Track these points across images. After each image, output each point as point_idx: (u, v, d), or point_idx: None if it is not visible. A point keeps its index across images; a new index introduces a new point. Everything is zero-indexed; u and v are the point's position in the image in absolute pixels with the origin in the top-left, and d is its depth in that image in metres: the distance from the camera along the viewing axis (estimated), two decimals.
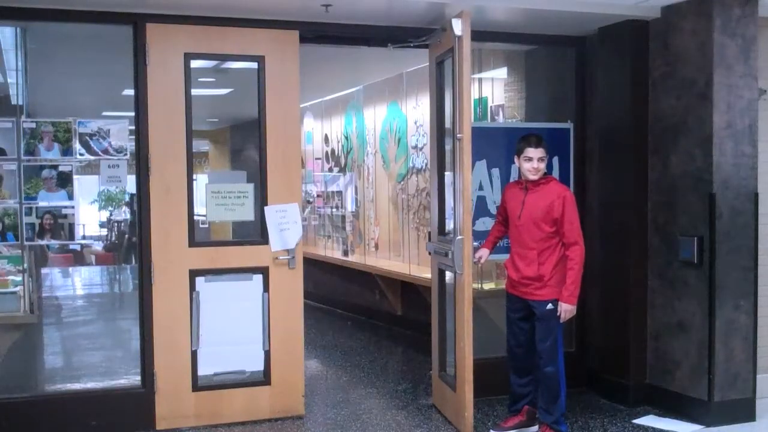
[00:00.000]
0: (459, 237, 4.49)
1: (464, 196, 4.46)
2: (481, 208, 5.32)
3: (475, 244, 4.66)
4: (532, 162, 4.43)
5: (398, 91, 7.65)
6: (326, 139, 9.49)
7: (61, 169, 4.67)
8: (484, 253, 4.78)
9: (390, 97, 7.86)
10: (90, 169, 5.03)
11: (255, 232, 5.01)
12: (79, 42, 5.31)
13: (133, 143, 4.74)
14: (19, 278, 5.09)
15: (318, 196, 9.64)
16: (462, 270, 4.48)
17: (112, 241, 8.86)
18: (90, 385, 5.15)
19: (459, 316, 4.59)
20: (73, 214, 4.71)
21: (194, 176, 4.85)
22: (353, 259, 8.49)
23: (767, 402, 5.00)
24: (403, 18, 4.98)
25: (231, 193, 4.91)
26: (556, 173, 5.49)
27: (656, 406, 5.09)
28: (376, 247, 8.24)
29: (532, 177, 4.45)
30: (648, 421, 4.91)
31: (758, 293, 4.88)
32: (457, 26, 4.52)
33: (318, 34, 5.03)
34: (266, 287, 4.90)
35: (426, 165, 7.12)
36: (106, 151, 4.74)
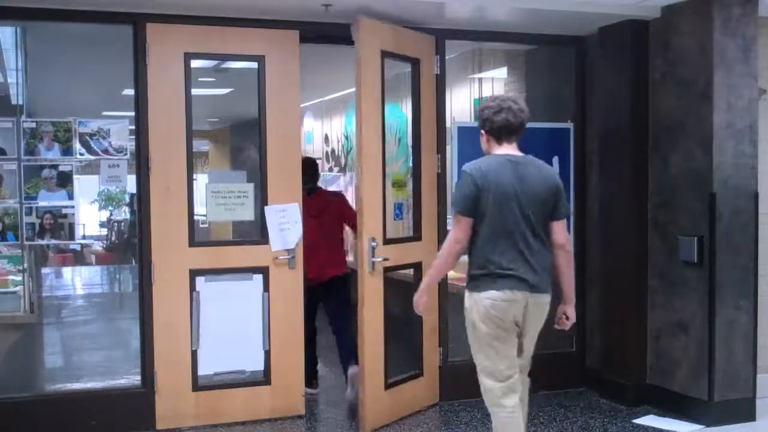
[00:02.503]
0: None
1: (362, 200, 4.57)
2: None
3: (374, 244, 4.64)
4: None
5: (398, 91, 7.64)
6: (326, 139, 9.48)
7: (61, 168, 4.66)
8: None
9: (390, 97, 7.84)
10: (90, 168, 5.03)
11: (255, 232, 5.01)
12: (79, 42, 5.31)
13: (133, 143, 4.74)
14: (19, 278, 5.09)
15: None
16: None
17: (112, 240, 8.87)
18: (90, 385, 5.15)
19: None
20: (73, 214, 4.71)
21: (194, 176, 4.85)
22: (353, 258, 8.47)
23: (767, 402, 5.00)
24: (402, 18, 4.98)
25: (231, 192, 4.91)
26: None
27: (656, 406, 5.09)
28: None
29: None
30: (648, 421, 4.91)
31: (758, 293, 4.88)
32: (354, 32, 4.52)
33: (318, 34, 5.03)
34: (266, 287, 4.90)
35: None
36: (106, 151, 4.74)
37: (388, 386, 4.83)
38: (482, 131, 3.63)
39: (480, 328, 3.46)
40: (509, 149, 3.57)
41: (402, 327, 5.04)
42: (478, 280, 3.47)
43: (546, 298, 3.52)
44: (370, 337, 4.65)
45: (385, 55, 4.75)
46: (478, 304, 3.45)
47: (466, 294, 3.53)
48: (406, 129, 7.59)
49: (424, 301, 3.69)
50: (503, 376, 3.47)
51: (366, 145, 4.64)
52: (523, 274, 3.42)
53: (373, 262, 4.60)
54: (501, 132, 3.56)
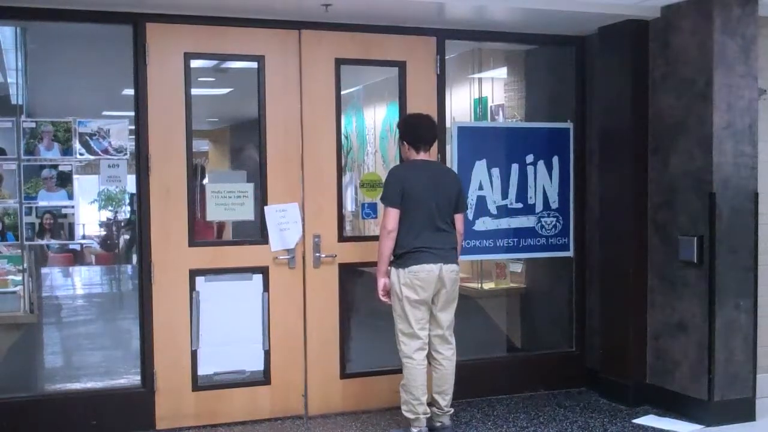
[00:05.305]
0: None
1: (305, 202, 4.93)
2: (481, 208, 5.33)
3: (316, 240, 4.97)
4: None
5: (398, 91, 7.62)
6: None
7: (61, 168, 4.66)
8: None
9: (390, 97, 7.84)
10: (90, 168, 5.02)
11: (255, 232, 5.01)
12: (79, 42, 5.31)
13: (133, 143, 4.74)
14: (19, 278, 5.09)
15: None
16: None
17: (112, 240, 8.85)
18: (90, 384, 5.15)
19: None
20: (73, 214, 4.71)
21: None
22: None
23: (767, 402, 5.00)
24: (402, 18, 4.98)
25: (231, 192, 4.91)
26: (556, 173, 5.50)
27: (656, 405, 5.10)
28: None
29: None
30: (648, 420, 4.91)
31: (758, 293, 4.88)
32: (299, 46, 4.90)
33: None
34: (266, 287, 4.90)
35: None
36: (106, 151, 4.74)
37: (345, 376, 5.07)
38: (404, 142, 4.55)
39: (405, 297, 4.35)
40: (425, 156, 4.53)
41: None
42: (402, 258, 4.37)
43: (455, 267, 4.44)
44: (314, 330, 4.98)
45: (343, 62, 5.01)
46: (405, 276, 4.34)
47: (393, 270, 4.41)
48: None
49: (383, 283, 4.44)
50: (417, 337, 4.39)
51: (310, 153, 4.94)
52: (436, 251, 4.35)
53: (319, 258, 4.93)
54: (419, 143, 4.50)
